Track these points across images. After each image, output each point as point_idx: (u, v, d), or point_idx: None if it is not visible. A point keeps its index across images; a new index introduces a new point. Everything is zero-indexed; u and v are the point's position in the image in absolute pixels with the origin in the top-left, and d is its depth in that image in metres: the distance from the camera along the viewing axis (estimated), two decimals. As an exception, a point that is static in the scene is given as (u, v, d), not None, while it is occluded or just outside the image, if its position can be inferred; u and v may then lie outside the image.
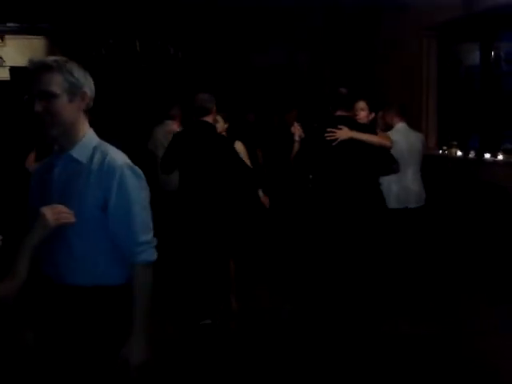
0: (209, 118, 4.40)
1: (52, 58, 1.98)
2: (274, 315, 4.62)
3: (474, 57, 6.60)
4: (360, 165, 4.07)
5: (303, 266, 4.87)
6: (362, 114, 4.59)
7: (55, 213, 1.86)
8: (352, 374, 3.63)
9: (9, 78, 9.36)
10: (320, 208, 4.21)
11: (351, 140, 4.01)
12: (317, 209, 4.25)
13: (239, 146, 4.58)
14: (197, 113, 4.40)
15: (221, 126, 4.53)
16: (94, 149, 2.02)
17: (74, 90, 1.97)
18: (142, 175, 2.05)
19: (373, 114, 4.73)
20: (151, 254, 2.03)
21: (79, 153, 2.00)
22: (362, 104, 4.60)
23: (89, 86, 2.04)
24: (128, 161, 2.04)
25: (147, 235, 2.02)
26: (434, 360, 3.83)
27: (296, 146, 4.35)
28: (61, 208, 1.88)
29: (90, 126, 2.10)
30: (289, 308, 4.75)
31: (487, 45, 6.30)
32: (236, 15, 7.84)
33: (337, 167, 4.09)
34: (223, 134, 4.58)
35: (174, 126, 5.55)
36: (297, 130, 4.39)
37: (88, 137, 2.04)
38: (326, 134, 4.02)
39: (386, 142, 4.16)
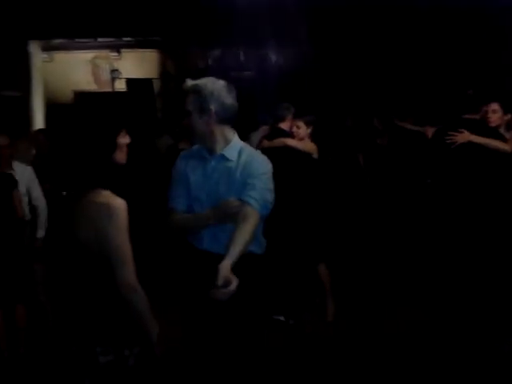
0: (284, 125, 4.71)
1: (197, 81, 2.52)
2: (368, 324, 4.50)
3: None
4: (479, 169, 4.02)
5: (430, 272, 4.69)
6: (494, 116, 4.28)
7: None
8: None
9: (125, 89, 10.02)
10: (444, 213, 4.21)
11: (471, 144, 3.99)
12: (441, 214, 4.26)
13: (309, 146, 4.64)
14: (273, 120, 4.79)
15: (303, 130, 4.60)
16: (240, 150, 2.55)
17: (201, 109, 2.48)
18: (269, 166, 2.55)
19: (508, 116, 4.42)
20: (258, 207, 2.41)
21: (230, 153, 2.53)
22: (494, 106, 4.30)
23: (216, 102, 2.47)
24: (261, 155, 2.58)
25: (263, 197, 2.44)
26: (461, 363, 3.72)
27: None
28: None
29: None
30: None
31: None
32: (330, 20, 7.95)
33: (456, 171, 4.10)
34: (306, 138, 4.64)
35: (265, 130, 5.77)
36: (430, 133, 4.47)
37: (235, 141, 2.57)
38: (446, 137, 4.06)
39: (508, 148, 4.04)
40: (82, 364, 2.19)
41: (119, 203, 2.11)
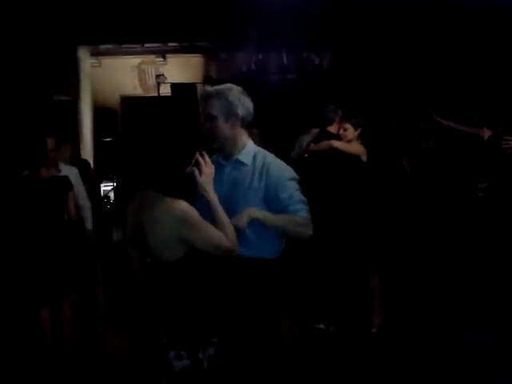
0: (332, 128, 4.73)
1: (217, 87, 2.57)
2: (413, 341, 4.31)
3: None
4: None
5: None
6: None
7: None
8: None
9: (170, 94, 10.16)
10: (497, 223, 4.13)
11: None
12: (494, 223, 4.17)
13: (357, 148, 4.51)
14: (321, 123, 4.79)
15: (350, 132, 4.48)
16: (255, 154, 2.57)
17: (228, 113, 2.50)
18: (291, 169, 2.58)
19: None
20: (305, 213, 2.53)
21: (245, 157, 2.56)
22: None
23: (242, 107, 2.52)
24: (279, 160, 2.58)
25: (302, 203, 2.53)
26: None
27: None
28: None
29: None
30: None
31: None
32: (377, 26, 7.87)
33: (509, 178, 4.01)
34: (354, 140, 4.51)
35: (315, 133, 5.76)
36: (486, 135, 4.42)
37: (249, 145, 2.60)
38: (502, 142, 4.00)
39: None
40: (157, 370, 2.19)
41: (185, 204, 2.15)
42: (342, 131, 4.53)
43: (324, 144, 4.56)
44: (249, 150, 2.58)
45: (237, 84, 2.59)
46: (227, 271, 2.47)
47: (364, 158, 4.45)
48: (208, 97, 2.54)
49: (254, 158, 2.56)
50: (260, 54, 8.99)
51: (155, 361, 2.19)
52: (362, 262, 4.46)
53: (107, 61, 10.76)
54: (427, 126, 6.97)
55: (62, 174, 4.21)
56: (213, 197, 2.25)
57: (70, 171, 4.34)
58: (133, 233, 2.27)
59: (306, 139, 6.36)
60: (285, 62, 9.00)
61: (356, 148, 4.47)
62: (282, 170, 2.54)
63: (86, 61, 10.04)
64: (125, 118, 10.99)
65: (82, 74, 9.69)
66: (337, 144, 4.48)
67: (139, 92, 11.19)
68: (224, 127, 2.52)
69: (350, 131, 4.49)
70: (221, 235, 2.18)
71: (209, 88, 2.63)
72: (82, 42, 9.35)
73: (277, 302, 2.57)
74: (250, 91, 2.62)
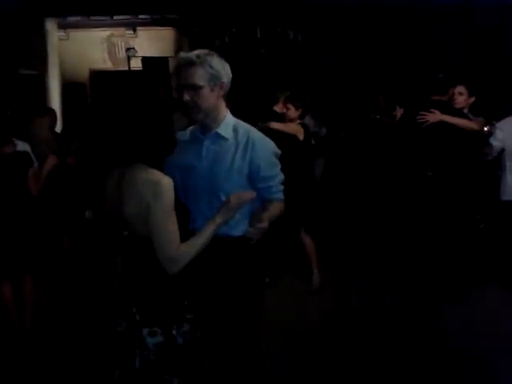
0: (277, 107, 5.14)
1: (195, 52, 2.33)
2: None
3: None
4: (449, 148, 4.22)
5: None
6: (460, 98, 4.61)
7: (238, 198, 2.23)
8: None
9: (141, 68, 10.00)
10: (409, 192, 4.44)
11: (442, 123, 4.19)
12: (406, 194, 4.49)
13: (292, 128, 4.83)
14: (266, 102, 5.12)
15: (292, 112, 4.82)
16: (234, 126, 2.43)
17: (214, 81, 2.32)
18: (273, 142, 2.49)
19: (472, 99, 4.71)
20: (282, 194, 2.51)
21: (224, 130, 2.41)
22: (460, 88, 4.61)
23: (226, 75, 2.37)
24: (262, 135, 2.47)
25: (281, 181, 2.50)
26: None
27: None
28: (242, 194, 2.26)
29: None
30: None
31: None
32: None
33: (426, 149, 4.27)
34: (295, 120, 4.85)
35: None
36: (399, 114, 4.87)
37: (228, 117, 2.44)
38: (418, 117, 4.25)
39: (475, 127, 4.31)
40: (130, 346, 2.16)
41: (167, 181, 2.07)
42: (285, 110, 4.90)
43: (263, 125, 4.82)
44: (228, 122, 2.43)
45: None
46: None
47: (300, 136, 4.81)
48: (189, 64, 2.30)
49: (235, 131, 2.42)
50: (233, 27, 8.89)
51: (128, 338, 2.17)
52: (293, 223, 4.75)
53: (75, 33, 10.49)
54: (386, 100, 7.08)
55: (18, 149, 4.07)
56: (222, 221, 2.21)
57: (24, 146, 4.19)
58: (112, 207, 2.22)
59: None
60: (258, 36, 8.92)
61: (292, 128, 4.82)
62: (267, 145, 2.45)
63: (54, 33, 9.76)
64: (94, 92, 10.78)
65: (49, 47, 9.43)
66: (274, 125, 4.74)
67: (109, 66, 10.95)
68: (210, 97, 2.33)
69: (292, 111, 4.84)
70: (177, 240, 2.08)
71: (185, 54, 2.33)
72: (49, 13, 9.09)
73: (255, 274, 2.52)
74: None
